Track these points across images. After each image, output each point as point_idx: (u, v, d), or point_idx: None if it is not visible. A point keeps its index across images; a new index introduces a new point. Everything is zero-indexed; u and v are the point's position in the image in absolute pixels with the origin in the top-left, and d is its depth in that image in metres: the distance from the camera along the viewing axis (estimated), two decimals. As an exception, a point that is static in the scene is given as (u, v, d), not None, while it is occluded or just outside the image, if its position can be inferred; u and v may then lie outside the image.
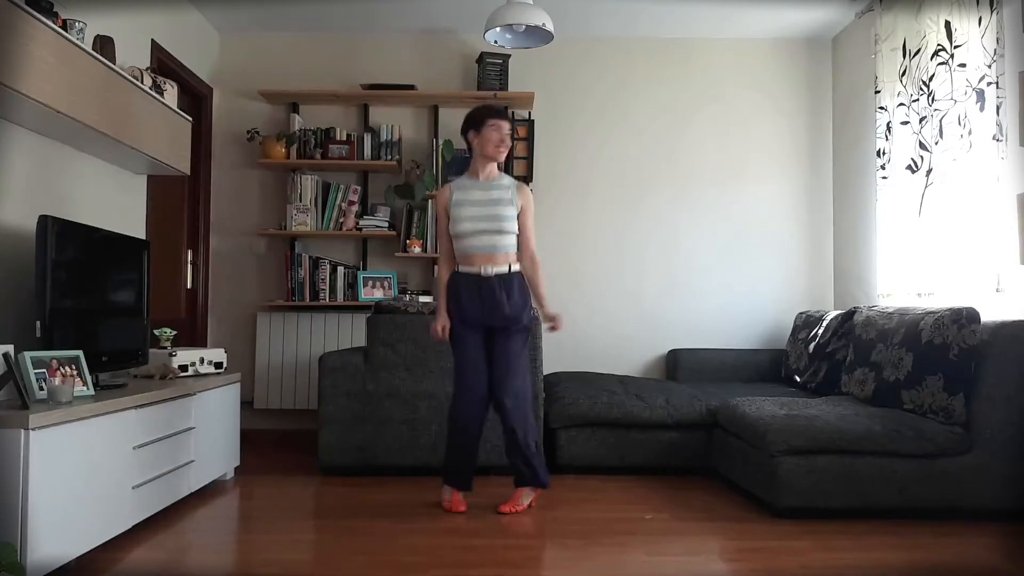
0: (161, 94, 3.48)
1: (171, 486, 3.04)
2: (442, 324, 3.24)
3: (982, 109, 3.39)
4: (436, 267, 4.17)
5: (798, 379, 4.31)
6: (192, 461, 3.22)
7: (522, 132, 4.80)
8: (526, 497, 3.22)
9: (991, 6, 3.33)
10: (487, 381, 3.21)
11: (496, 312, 3.18)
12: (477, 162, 3.31)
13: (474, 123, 3.29)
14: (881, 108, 4.14)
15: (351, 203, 4.73)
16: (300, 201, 4.70)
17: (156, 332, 3.55)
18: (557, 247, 4.87)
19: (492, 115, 3.29)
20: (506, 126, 3.28)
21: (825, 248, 4.99)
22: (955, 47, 3.58)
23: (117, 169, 3.65)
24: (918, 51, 3.85)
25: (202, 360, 3.57)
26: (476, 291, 3.19)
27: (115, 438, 2.63)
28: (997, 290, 3.31)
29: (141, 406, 2.79)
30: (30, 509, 2.16)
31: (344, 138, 4.75)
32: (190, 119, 3.80)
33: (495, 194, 3.25)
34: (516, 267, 3.25)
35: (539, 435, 3.44)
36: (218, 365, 3.67)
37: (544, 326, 3.34)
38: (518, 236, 3.26)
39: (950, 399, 3.09)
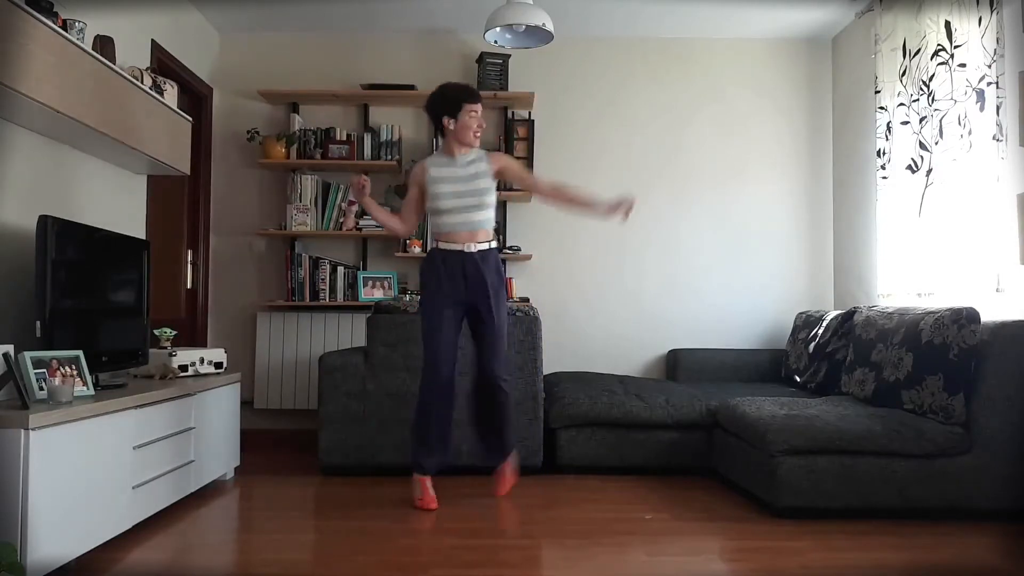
0: (161, 94, 3.48)
1: (171, 486, 3.04)
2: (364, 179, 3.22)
3: (982, 109, 3.39)
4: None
5: (798, 379, 4.31)
6: (192, 461, 3.22)
7: (522, 132, 4.80)
8: (509, 471, 3.30)
9: (991, 6, 3.33)
10: (456, 364, 3.25)
11: (480, 288, 3.19)
12: (452, 145, 3.27)
13: (450, 107, 3.20)
14: (881, 108, 4.14)
15: (351, 203, 4.73)
16: (300, 201, 4.70)
17: (156, 332, 3.55)
18: (557, 247, 4.87)
19: (468, 98, 3.21)
20: (480, 108, 3.24)
21: (825, 248, 4.99)
22: (955, 47, 3.58)
23: (117, 169, 3.64)
24: (918, 51, 3.85)
25: (202, 360, 3.57)
26: (459, 268, 3.19)
27: (115, 438, 2.63)
28: (997, 290, 3.31)
29: (141, 406, 2.79)
30: (30, 509, 2.16)
31: (344, 138, 4.75)
32: (190, 119, 3.80)
33: (472, 168, 3.25)
34: (494, 243, 3.29)
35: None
36: (218, 365, 3.66)
37: (618, 217, 3.23)
38: (517, 190, 3.28)
39: (950, 399, 3.09)
